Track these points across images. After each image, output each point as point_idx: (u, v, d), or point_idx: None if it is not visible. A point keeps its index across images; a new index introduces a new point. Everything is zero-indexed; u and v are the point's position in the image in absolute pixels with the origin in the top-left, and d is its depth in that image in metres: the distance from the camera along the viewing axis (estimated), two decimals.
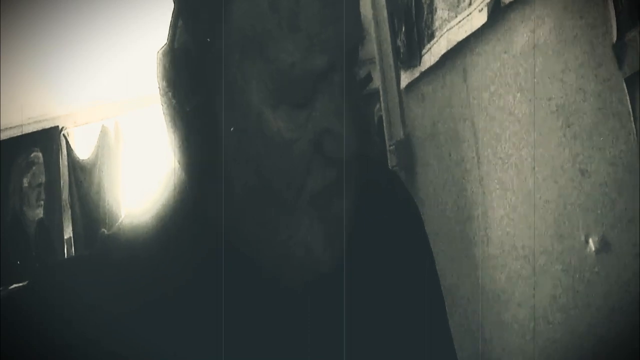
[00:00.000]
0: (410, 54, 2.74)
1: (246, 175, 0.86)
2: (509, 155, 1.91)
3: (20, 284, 0.96)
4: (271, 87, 0.83)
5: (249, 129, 0.85)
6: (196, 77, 0.87)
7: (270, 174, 0.85)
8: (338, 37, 0.83)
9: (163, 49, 0.91)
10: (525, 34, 1.76)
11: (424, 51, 2.58)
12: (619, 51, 1.40)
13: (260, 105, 0.84)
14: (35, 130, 7.71)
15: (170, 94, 0.89)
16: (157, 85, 0.92)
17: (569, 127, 1.57)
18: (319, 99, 0.85)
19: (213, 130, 0.87)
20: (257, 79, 0.83)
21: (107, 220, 7.14)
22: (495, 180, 2.02)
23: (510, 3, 1.80)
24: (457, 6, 2.16)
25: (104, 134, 7.49)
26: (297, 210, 0.87)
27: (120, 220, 1.01)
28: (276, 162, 0.85)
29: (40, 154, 7.71)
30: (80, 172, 7.53)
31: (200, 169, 0.91)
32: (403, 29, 2.79)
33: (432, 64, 2.48)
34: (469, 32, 2.07)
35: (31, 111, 7.34)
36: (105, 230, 1.00)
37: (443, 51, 2.32)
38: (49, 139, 7.68)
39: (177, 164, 0.95)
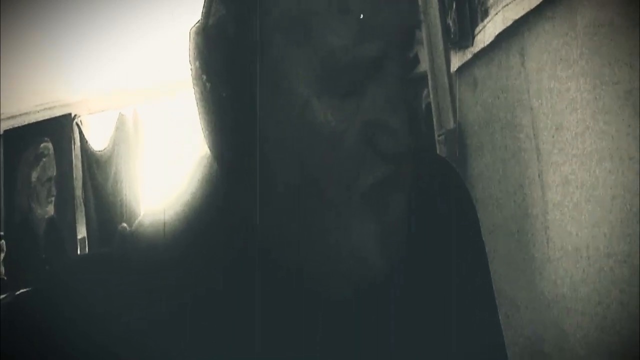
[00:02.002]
0: (461, 34, 2.74)
1: (288, 169, 0.86)
2: (571, 146, 1.91)
3: (28, 289, 0.96)
4: (319, 73, 0.83)
5: (292, 119, 0.84)
6: (233, 58, 0.87)
7: (315, 169, 0.85)
8: (392, 21, 0.84)
9: (196, 26, 0.91)
10: (590, 11, 1.75)
11: (477, 30, 2.58)
12: None
13: (305, 92, 0.84)
14: (45, 118, 7.74)
15: (204, 77, 0.89)
16: (189, 67, 0.92)
17: (637, 115, 1.57)
18: (370, 87, 0.85)
19: (251, 119, 0.86)
20: (303, 64, 0.83)
21: (124, 218, 7.14)
22: (556, 174, 2.02)
23: None
24: None
25: (121, 122, 7.51)
26: (347, 210, 0.86)
27: (139, 218, 1.01)
28: (323, 156, 0.84)
29: (50, 145, 7.74)
30: (95, 165, 7.56)
31: (236, 160, 0.90)
32: (454, 6, 2.79)
33: (486, 44, 2.48)
34: (527, 10, 2.07)
35: (41, 97, 7.37)
36: (126, 226, 1.01)
37: (498, 30, 2.32)
38: (60, 128, 7.69)
39: (207, 154, 0.96)
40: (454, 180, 1.14)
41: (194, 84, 0.92)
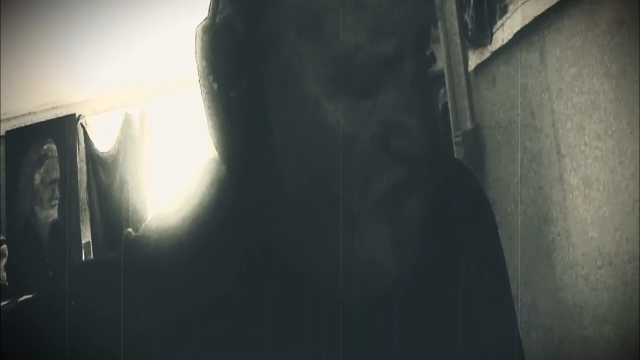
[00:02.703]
0: (479, 31, 2.75)
1: (299, 173, 0.85)
2: (593, 147, 1.91)
3: (31, 296, 0.97)
4: (331, 72, 0.82)
5: (303, 120, 0.84)
6: (242, 57, 0.87)
7: (327, 171, 0.84)
8: (408, 18, 0.83)
9: (203, 23, 0.91)
10: (612, 8, 1.76)
11: (495, 27, 2.59)
12: None
13: (317, 92, 0.83)
14: (48, 118, 7.74)
15: (211, 77, 0.89)
16: (196, 66, 0.91)
17: None
18: (385, 88, 0.84)
19: (261, 120, 0.87)
20: (314, 62, 0.83)
21: (131, 222, 7.13)
22: (578, 176, 2.03)
23: None
24: None
25: (127, 122, 7.51)
26: (361, 215, 0.86)
27: (146, 222, 1.01)
28: (335, 159, 0.84)
29: (54, 146, 7.73)
30: (101, 167, 7.56)
31: (245, 163, 0.90)
32: (471, 2, 2.80)
33: (505, 42, 2.49)
34: (547, 6, 2.07)
35: (44, 96, 7.38)
36: (132, 231, 1.00)
37: (518, 27, 2.32)
38: (64, 128, 7.68)
39: (214, 156, 0.96)
40: (470, 183, 1.13)
41: (200, 84, 0.92)
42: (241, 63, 0.87)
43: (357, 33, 0.81)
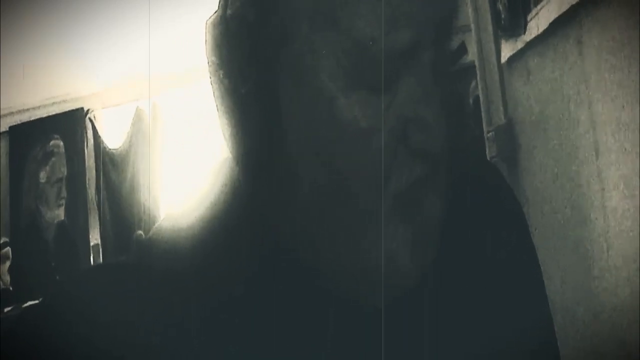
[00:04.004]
0: (513, 20, 2.75)
1: (314, 171, 0.86)
2: (633, 143, 1.91)
3: (36, 302, 0.98)
4: (346, 66, 0.84)
5: (318, 116, 0.85)
6: (254, 52, 0.88)
7: (344, 171, 0.85)
8: (425, 9, 0.84)
9: (213, 17, 0.92)
10: None
11: (530, 17, 2.59)
12: None
13: (332, 87, 0.84)
14: (54, 113, 7.76)
15: (221, 72, 0.90)
16: (206, 61, 0.92)
17: None
18: (403, 81, 0.85)
19: (274, 116, 0.88)
20: (329, 56, 0.84)
21: (142, 223, 7.12)
22: (617, 174, 2.03)
23: None
24: None
25: (138, 117, 7.52)
26: (379, 215, 0.86)
27: (158, 223, 1.02)
28: (352, 156, 0.85)
29: (60, 142, 7.75)
30: (110, 164, 7.57)
31: (258, 162, 0.91)
32: None
33: (540, 32, 2.48)
34: None
35: (50, 90, 7.39)
36: (142, 233, 1.02)
37: (553, 17, 2.32)
38: (71, 123, 7.71)
39: (229, 155, 0.97)
40: (495, 181, 1.14)
41: (211, 80, 0.93)
42: (252, 57, 0.88)
43: (372, 23, 0.82)
